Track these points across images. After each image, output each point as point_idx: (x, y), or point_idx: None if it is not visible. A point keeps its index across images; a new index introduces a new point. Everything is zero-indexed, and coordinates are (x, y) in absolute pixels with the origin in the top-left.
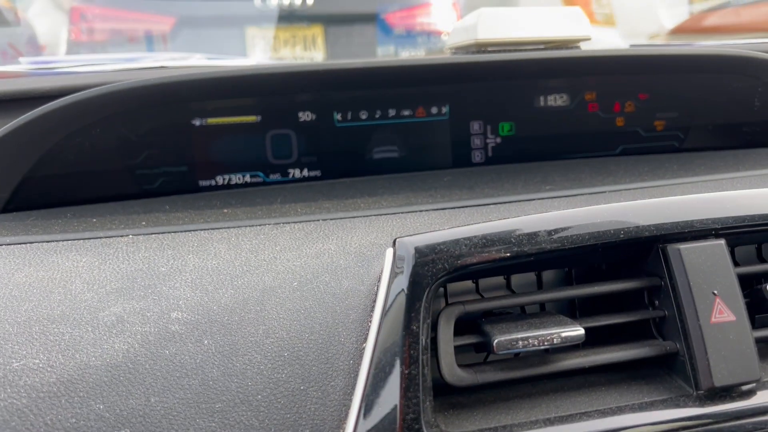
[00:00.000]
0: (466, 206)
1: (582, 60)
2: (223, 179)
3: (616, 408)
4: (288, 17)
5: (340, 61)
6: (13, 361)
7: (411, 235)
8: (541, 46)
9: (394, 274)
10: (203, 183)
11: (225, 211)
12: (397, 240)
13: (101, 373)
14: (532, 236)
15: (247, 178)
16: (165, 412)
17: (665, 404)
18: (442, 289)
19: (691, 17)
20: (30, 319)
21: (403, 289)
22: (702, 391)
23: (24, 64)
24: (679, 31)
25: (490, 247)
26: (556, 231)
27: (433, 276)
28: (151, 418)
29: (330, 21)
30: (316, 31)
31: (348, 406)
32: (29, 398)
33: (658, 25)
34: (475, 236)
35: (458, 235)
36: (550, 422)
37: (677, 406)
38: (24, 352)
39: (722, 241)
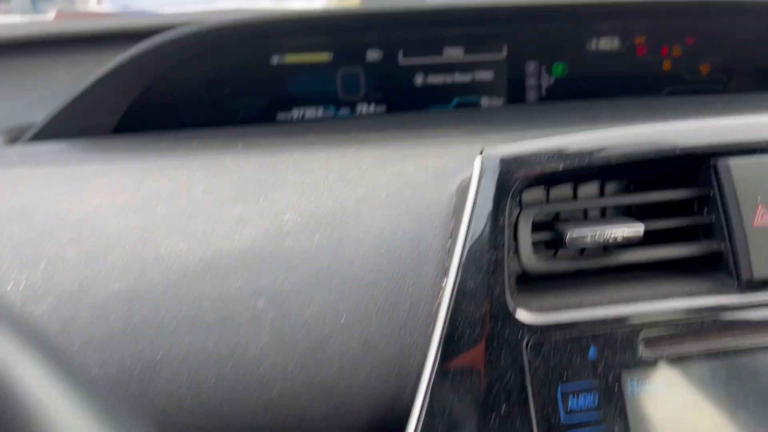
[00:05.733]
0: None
1: (635, 3)
2: (299, 113)
3: (668, 294)
4: None
5: (407, 3)
6: (159, 247)
7: (496, 146)
8: None
9: (480, 180)
10: (281, 116)
11: (308, 137)
12: (485, 149)
13: (234, 259)
14: (602, 149)
15: (320, 112)
16: (290, 288)
17: (710, 292)
18: (518, 198)
19: None
20: (166, 215)
21: (488, 193)
22: (742, 283)
23: (108, 4)
24: None
25: (566, 157)
26: (621, 145)
27: (516, 181)
28: (280, 292)
29: None
30: None
31: (441, 288)
32: (180, 275)
33: None
34: (553, 147)
35: (539, 145)
36: (612, 302)
37: (720, 293)
38: (168, 241)
39: None
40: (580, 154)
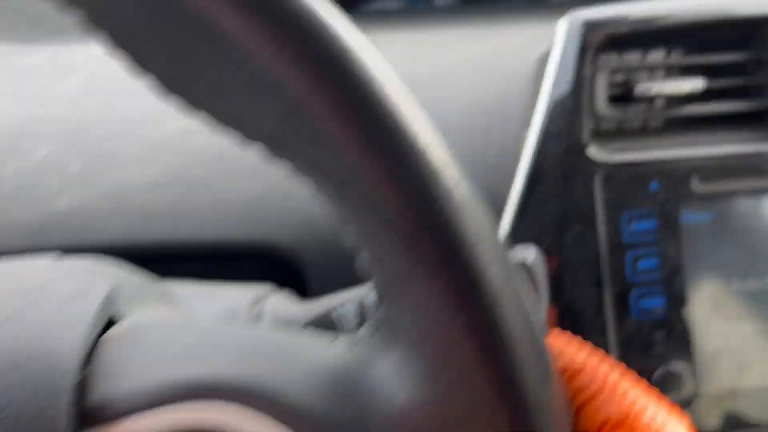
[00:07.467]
0: None
1: None
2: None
3: (722, 141)
4: None
5: None
6: None
7: (580, 10)
8: None
9: (567, 39)
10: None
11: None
12: (569, 13)
13: None
14: (671, 15)
15: (397, 3)
16: None
17: (759, 140)
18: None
19: None
20: None
21: (573, 50)
22: None
23: None
24: None
25: (639, 22)
26: (688, 12)
27: (597, 40)
28: None
29: None
30: None
31: (525, 136)
32: None
33: None
34: (629, 13)
35: (617, 11)
36: (673, 146)
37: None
38: None
39: None
40: (651, 20)
